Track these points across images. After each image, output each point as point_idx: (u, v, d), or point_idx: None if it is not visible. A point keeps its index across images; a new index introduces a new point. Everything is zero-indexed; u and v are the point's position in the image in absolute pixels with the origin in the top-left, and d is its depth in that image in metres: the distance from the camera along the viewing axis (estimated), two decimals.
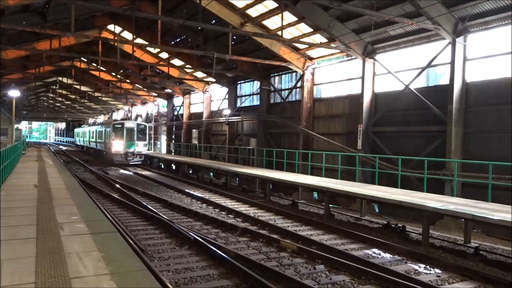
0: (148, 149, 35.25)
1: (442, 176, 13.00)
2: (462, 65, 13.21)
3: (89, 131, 41.71)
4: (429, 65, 14.45)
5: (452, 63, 13.23)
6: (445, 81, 13.98)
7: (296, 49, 19.46)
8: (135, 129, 30.14)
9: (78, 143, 53.74)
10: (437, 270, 7.45)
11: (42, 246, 4.98)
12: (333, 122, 19.02)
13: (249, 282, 6.36)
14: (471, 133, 13.11)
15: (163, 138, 40.13)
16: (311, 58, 19.76)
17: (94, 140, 37.93)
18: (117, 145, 29.29)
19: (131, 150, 29.65)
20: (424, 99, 14.34)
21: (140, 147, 30.27)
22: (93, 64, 33.84)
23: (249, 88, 26.19)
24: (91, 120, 68.12)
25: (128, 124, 30.56)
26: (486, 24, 12.57)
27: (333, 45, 16.92)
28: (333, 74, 19.18)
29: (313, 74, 20.12)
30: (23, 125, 65.62)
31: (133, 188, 16.89)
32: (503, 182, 11.08)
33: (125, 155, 29.32)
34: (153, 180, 20.80)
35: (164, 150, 39.18)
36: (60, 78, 38.34)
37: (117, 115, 56.93)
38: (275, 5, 16.63)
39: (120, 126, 29.96)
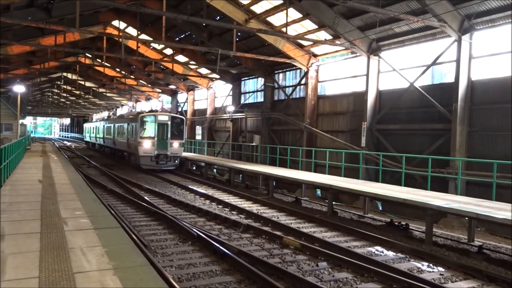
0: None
1: (446, 174, 12.97)
2: (467, 63, 13.13)
3: (104, 126, 34.12)
4: (434, 63, 14.37)
5: (458, 61, 13.15)
6: (450, 79, 13.91)
7: (301, 46, 19.41)
8: (169, 123, 22.78)
9: (89, 141, 45.46)
10: (440, 269, 7.43)
11: (46, 241, 5.01)
12: (337, 119, 18.97)
13: (251, 278, 6.37)
14: (476, 131, 13.04)
15: None
16: (315, 55, 19.70)
17: (111, 137, 30.78)
18: (146, 145, 22.19)
19: (165, 151, 22.50)
20: (429, 97, 14.27)
21: (176, 147, 22.86)
22: (98, 60, 33.93)
23: (253, 85, 26.16)
24: (95, 116, 68.12)
25: (161, 117, 23.04)
26: (492, 21, 12.47)
27: (337, 42, 16.88)
28: (338, 71, 19.12)
29: (317, 71, 20.06)
30: (28, 121, 66.00)
31: (137, 184, 16.94)
32: (507, 181, 11.03)
33: (156, 158, 22.32)
34: (156, 176, 20.83)
35: None
36: (64, 74, 38.45)
37: (121, 111, 56.78)
38: (280, 1, 16.59)
39: (150, 120, 22.80)
